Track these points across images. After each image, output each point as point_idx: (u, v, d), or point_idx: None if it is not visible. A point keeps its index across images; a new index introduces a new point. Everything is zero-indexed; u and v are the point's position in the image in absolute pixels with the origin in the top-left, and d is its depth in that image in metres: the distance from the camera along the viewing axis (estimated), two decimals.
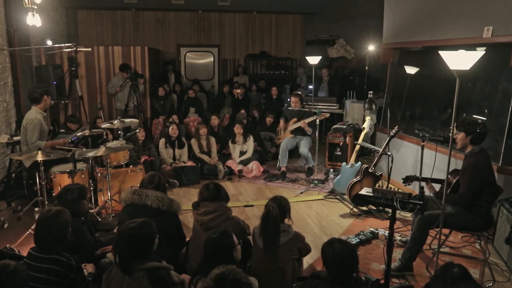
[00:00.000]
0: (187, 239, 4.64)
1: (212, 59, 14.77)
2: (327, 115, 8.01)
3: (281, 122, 8.74)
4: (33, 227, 5.10)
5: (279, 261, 3.93)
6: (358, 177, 6.64)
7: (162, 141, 8.31)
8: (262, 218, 4.02)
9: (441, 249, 5.02)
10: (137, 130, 7.75)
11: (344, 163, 7.32)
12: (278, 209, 4.00)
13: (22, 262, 3.22)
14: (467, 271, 2.70)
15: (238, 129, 8.60)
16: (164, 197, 4.39)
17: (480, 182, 4.41)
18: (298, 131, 8.30)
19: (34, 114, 6.21)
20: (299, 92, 8.82)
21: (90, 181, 6.24)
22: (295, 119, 8.36)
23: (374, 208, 6.35)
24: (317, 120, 7.72)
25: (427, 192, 4.77)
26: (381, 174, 6.59)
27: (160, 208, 4.29)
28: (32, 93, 6.37)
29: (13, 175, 7.16)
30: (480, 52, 3.66)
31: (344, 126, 8.68)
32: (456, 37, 6.13)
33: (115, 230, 4.71)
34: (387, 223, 5.94)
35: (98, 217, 5.91)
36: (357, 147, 7.30)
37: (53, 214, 3.46)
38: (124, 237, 3.24)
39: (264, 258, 3.94)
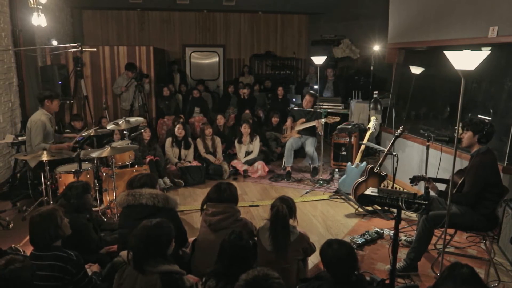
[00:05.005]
0: (192, 238, 4.65)
1: (217, 59, 14.77)
2: (337, 119, 7.99)
3: (289, 120, 8.71)
4: None
5: (284, 261, 3.93)
6: (363, 177, 6.63)
7: (168, 140, 8.32)
8: (271, 218, 4.01)
9: (446, 249, 5.02)
10: (143, 130, 7.76)
11: (349, 163, 7.31)
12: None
13: None
14: (475, 271, 2.69)
15: (245, 129, 8.59)
16: (159, 194, 4.40)
17: (484, 182, 4.40)
18: (305, 131, 8.29)
19: (39, 115, 6.24)
20: (314, 93, 8.79)
21: (96, 181, 6.26)
22: (303, 120, 8.35)
23: (379, 208, 6.34)
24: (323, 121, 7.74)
25: (431, 192, 4.77)
26: (386, 174, 6.58)
27: (156, 205, 4.30)
28: (38, 95, 6.43)
29: (18, 175, 7.19)
30: (485, 52, 3.65)
31: (349, 126, 8.66)
32: (461, 37, 6.12)
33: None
34: (392, 223, 5.94)
35: (103, 217, 5.93)
36: (362, 147, 7.30)
37: (39, 214, 3.48)
38: (141, 235, 3.22)
39: (270, 259, 3.94)
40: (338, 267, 3.11)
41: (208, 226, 4.30)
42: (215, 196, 4.38)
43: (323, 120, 7.79)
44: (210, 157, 8.39)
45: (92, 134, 6.55)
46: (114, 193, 6.07)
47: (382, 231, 5.68)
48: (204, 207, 4.45)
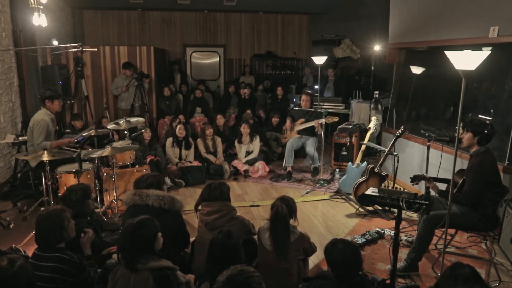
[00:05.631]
0: (193, 239, 4.65)
1: (218, 59, 14.77)
2: (336, 118, 7.99)
3: (288, 121, 8.70)
4: None
5: (285, 261, 3.93)
6: (364, 177, 6.63)
7: (169, 140, 8.31)
8: (271, 219, 4.01)
9: (447, 249, 5.02)
10: (143, 130, 7.75)
11: (350, 163, 7.31)
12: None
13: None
14: (477, 271, 2.69)
15: (244, 129, 8.59)
16: (165, 196, 4.40)
17: (484, 182, 4.40)
18: (305, 131, 8.28)
19: (42, 115, 6.23)
20: (310, 92, 8.76)
21: (96, 181, 6.25)
22: (302, 120, 8.34)
23: (380, 208, 6.34)
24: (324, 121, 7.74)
25: (432, 192, 4.76)
26: (387, 174, 6.57)
27: (162, 207, 4.30)
28: (40, 94, 6.45)
29: (19, 175, 7.18)
30: (486, 52, 3.65)
31: (350, 126, 8.67)
32: (462, 37, 6.11)
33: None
34: (393, 223, 5.93)
35: (104, 217, 5.92)
36: (363, 147, 7.29)
37: (46, 213, 3.50)
38: (125, 234, 3.25)
39: (271, 259, 3.94)
40: (342, 267, 3.11)
41: (205, 225, 4.31)
42: (206, 196, 4.41)
43: (322, 120, 7.79)
44: (210, 157, 8.39)
45: (92, 134, 6.55)
46: (114, 193, 6.07)
47: (382, 231, 5.68)
48: (200, 207, 4.47)
